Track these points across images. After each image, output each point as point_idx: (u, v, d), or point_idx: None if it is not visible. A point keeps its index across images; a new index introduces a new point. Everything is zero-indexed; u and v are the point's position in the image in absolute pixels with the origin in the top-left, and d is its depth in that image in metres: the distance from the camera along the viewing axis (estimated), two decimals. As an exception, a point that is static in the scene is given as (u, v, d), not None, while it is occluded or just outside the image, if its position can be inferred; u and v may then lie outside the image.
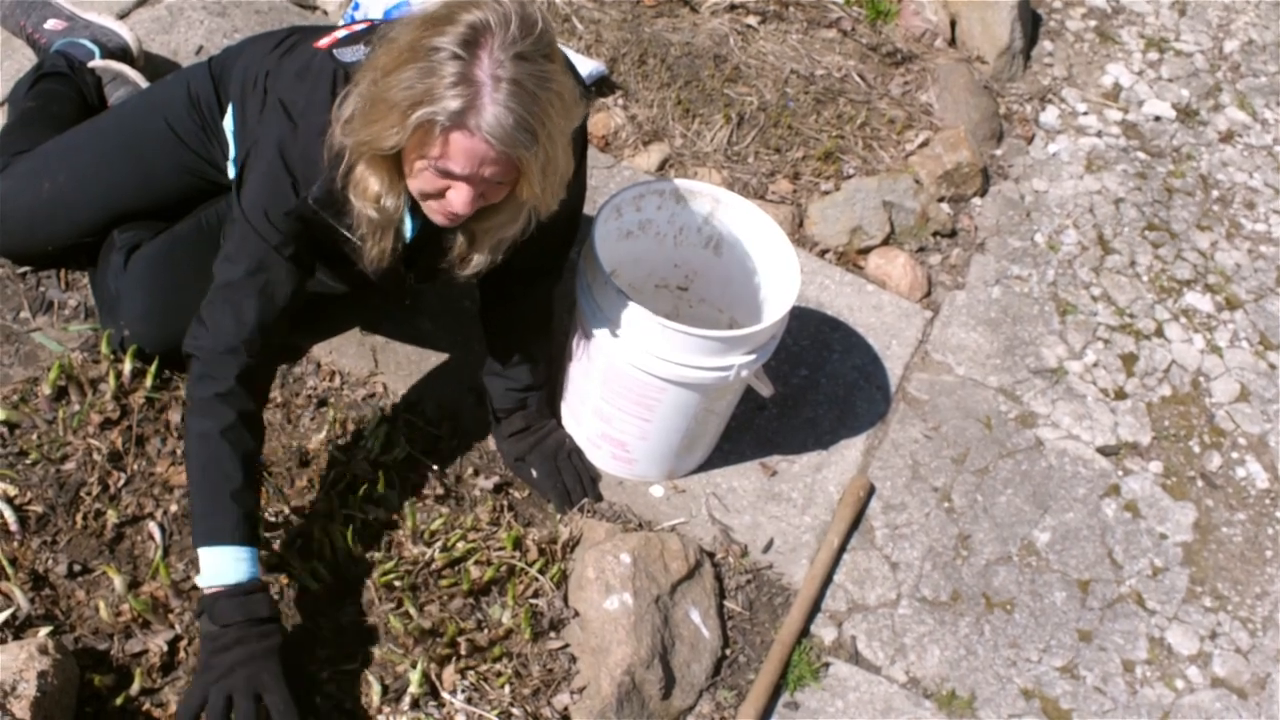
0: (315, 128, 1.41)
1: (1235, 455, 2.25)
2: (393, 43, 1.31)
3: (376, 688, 1.55)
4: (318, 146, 1.42)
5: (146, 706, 1.49)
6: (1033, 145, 2.73)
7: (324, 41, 1.54)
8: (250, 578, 1.45)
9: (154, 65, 2.19)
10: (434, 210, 1.40)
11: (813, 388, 2.12)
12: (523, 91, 1.26)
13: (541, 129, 1.29)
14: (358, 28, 1.59)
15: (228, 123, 1.73)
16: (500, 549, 1.73)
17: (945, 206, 2.51)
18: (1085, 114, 2.84)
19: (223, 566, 1.45)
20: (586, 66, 2.40)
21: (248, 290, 1.50)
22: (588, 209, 1.80)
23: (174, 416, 1.75)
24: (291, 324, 1.57)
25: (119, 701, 1.48)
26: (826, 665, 1.79)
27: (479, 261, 1.52)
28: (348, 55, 1.45)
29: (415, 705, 1.56)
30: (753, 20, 2.71)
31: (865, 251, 2.38)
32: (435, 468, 1.82)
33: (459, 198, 1.35)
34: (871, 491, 2.01)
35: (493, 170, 1.32)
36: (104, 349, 1.77)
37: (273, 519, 1.69)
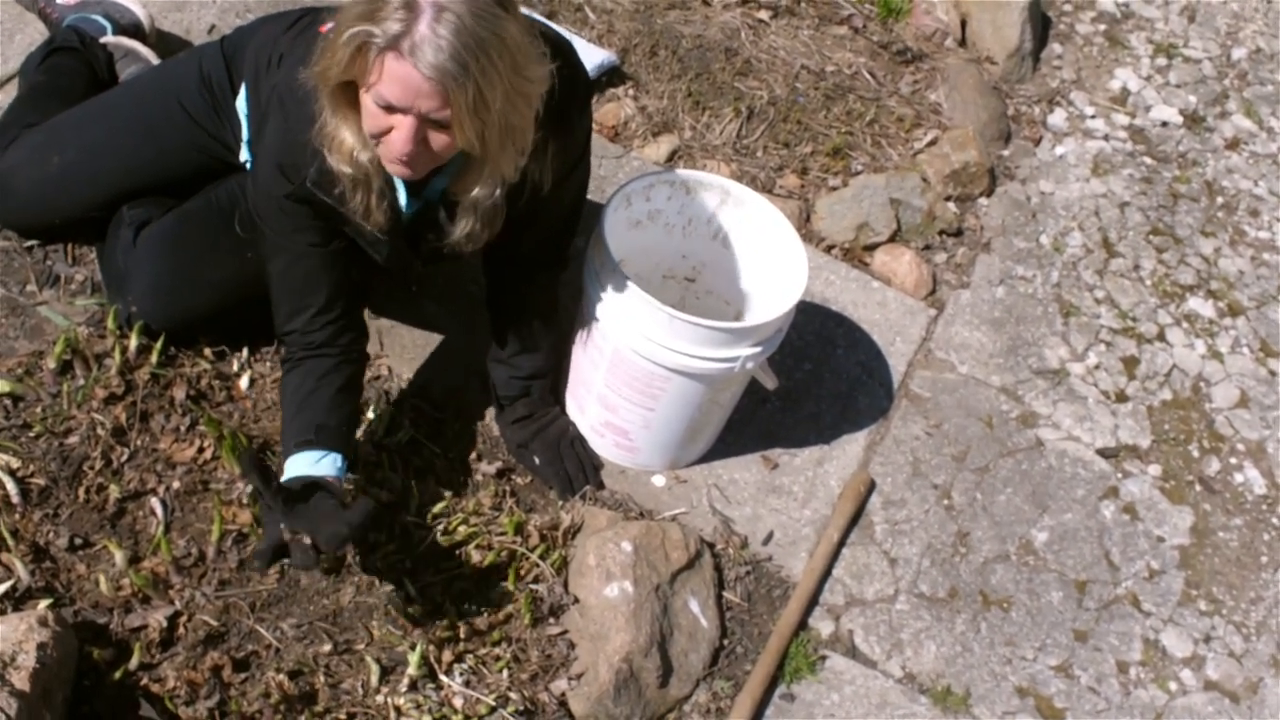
0: (307, 113, 1.42)
1: (1234, 461, 2.26)
2: None
3: (375, 668, 1.56)
4: (309, 130, 1.43)
5: (145, 681, 1.49)
6: (1040, 147, 2.74)
7: (328, 25, 1.54)
8: (333, 475, 1.54)
9: (166, 43, 2.18)
10: (387, 159, 1.40)
11: (816, 382, 2.13)
12: (461, 25, 1.26)
13: (474, 63, 1.27)
14: None
15: (240, 104, 1.73)
16: (502, 534, 1.73)
17: (952, 205, 2.51)
18: (1093, 117, 2.85)
19: (299, 464, 1.53)
20: (598, 56, 2.40)
21: (290, 278, 1.58)
22: (597, 198, 1.80)
23: (178, 393, 1.75)
24: (352, 289, 1.63)
25: (117, 675, 1.48)
26: (823, 658, 1.80)
27: (465, 229, 1.52)
28: None
29: (413, 687, 1.56)
30: (764, 15, 2.71)
31: (871, 248, 2.38)
32: (438, 451, 1.82)
33: (399, 135, 1.34)
34: (872, 487, 2.01)
35: (427, 104, 1.30)
36: (110, 324, 1.77)
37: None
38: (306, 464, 1.55)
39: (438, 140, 1.36)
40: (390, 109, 1.32)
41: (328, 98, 1.39)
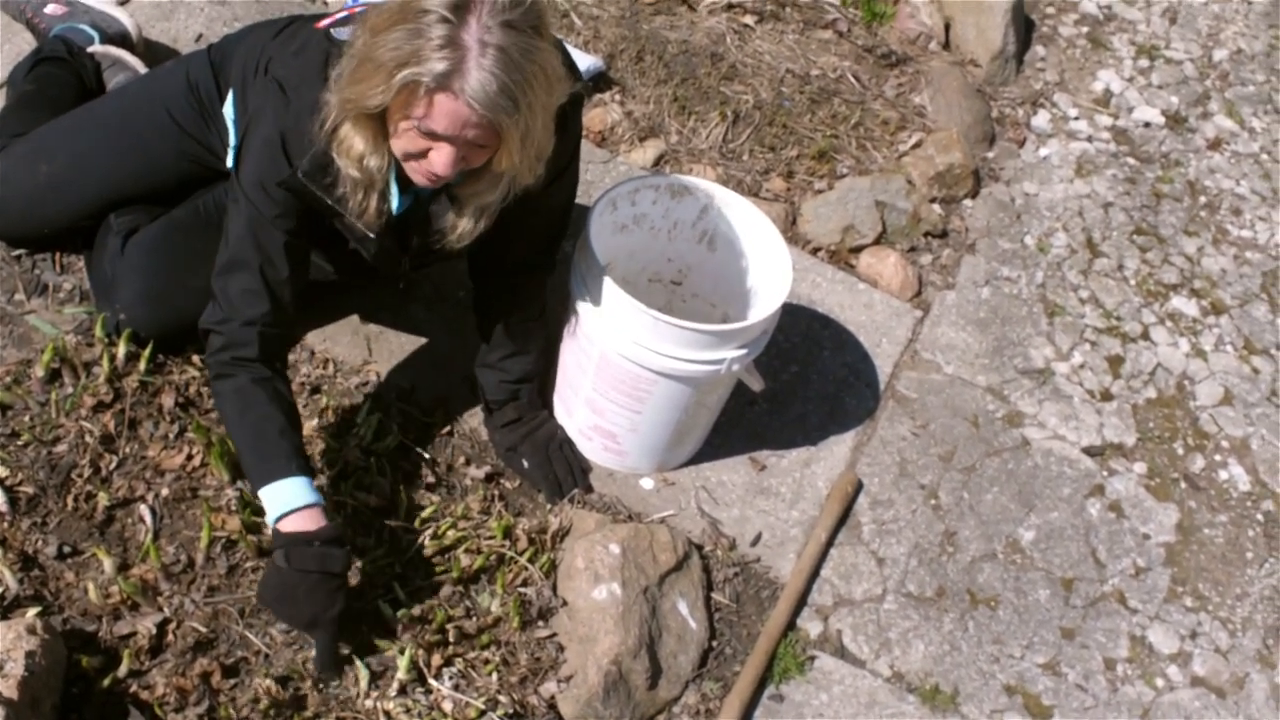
0: (307, 102, 1.43)
1: (1218, 458, 2.27)
2: (384, 5, 1.33)
3: (364, 673, 1.56)
4: (309, 120, 1.43)
5: (134, 689, 1.49)
6: (1024, 148, 2.76)
7: (323, 23, 1.56)
8: (315, 501, 1.52)
9: (154, 52, 2.19)
10: (416, 171, 1.42)
11: (803, 384, 2.14)
12: (508, 59, 1.28)
13: (523, 98, 1.31)
14: (357, 10, 1.60)
15: (228, 110, 1.74)
16: (490, 538, 1.74)
17: (937, 207, 2.53)
18: (1076, 119, 2.87)
19: (286, 494, 1.50)
20: (585, 62, 2.41)
21: (250, 265, 1.54)
22: (583, 202, 1.81)
23: (167, 400, 1.75)
24: (301, 298, 1.60)
25: (106, 683, 1.48)
26: (812, 658, 1.81)
27: (465, 227, 1.54)
28: (343, 33, 1.47)
29: (403, 691, 1.57)
30: (750, 19, 2.73)
31: (857, 250, 2.40)
32: (427, 456, 1.83)
33: (440, 158, 1.37)
34: (859, 487, 2.02)
35: (475, 133, 1.34)
36: (98, 332, 1.77)
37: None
38: (304, 491, 1.51)
39: (476, 159, 1.40)
40: (434, 136, 1.34)
41: (345, 116, 1.40)
